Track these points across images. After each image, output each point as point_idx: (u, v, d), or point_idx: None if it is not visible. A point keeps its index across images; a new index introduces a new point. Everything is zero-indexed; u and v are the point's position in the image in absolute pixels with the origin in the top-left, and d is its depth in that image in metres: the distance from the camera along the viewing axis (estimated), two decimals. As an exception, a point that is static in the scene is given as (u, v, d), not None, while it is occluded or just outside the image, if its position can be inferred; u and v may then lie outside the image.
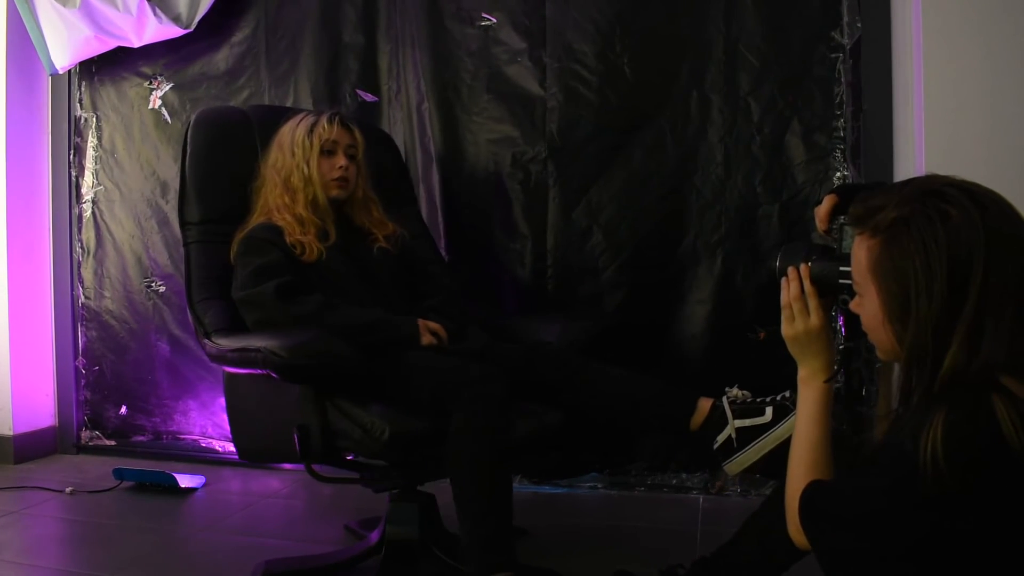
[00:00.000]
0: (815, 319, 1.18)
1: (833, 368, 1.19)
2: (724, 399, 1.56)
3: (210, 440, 2.91)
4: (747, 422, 1.49)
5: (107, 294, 3.01)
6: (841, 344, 1.28)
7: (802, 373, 1.21)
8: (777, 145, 2.36)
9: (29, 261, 2.99)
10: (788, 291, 1.20)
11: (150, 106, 2.92)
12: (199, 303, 1.90)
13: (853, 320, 1.18)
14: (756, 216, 2.38)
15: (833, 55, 2.31)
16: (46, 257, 3.04)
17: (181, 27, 2.70)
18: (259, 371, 1.64)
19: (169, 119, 2.90)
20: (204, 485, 2.61)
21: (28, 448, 2.93)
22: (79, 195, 3.03)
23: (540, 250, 2.52)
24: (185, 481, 2.56)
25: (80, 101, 3.02)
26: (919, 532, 0.92)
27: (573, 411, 1.77)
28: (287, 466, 2.62)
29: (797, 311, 1.19)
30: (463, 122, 2.56)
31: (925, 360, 0.94)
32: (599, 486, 2.51)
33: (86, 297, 3.03)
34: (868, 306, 1.02)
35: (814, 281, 1.19)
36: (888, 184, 1.14)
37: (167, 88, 2.89)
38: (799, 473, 1.13)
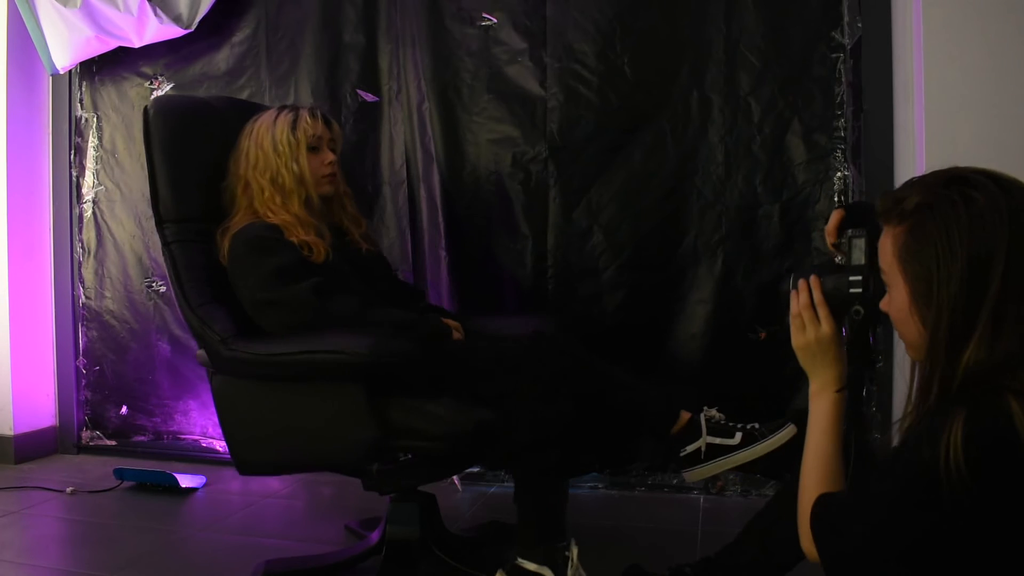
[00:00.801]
0: (826, 327, 1.17)
1: (844, 380, 1.16)
2: (701, 415, 1.70)
3: (211, 440, 2.91)
4: (717, 440, 1.65)
5: (108, 294, 3.01)
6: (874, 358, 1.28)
7: (814, 386, 1.18)
8: (777, 145, 2.36)
9: (30, 261, 3.00)
10: (798, 301, 1.19)
11: (151, 106, 2.93)
12: (199, 308, 1.78)
13: (863, 335, 1.18)
14: (756, 216, 2.38)
15: (833, 55, 2.31)
16: (47, 257, 3.05)
17: (182, 27, 2.71)
18: (322, 376, 1.61)
19: (170, 119, 2.89)
20: (204, 485, 2.62)
21: (29, 448, 2.93)
22: (80, 195, 3.03)
23: (541, 250, 2.52)
24: (185, 481, 2.56)
25: (81, 101, 3.02)
26: (934, 535, 0.91)
27: (578, 400, 1.76)
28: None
29: (808, 320, 1.17)
30: (464, 122, 2.56)
31: (945, 349, 0.93)
32: (599, 486, 2.51)
33: (87, 297, 3.03)
34: (896, 297, 1.01)
35: (827, 296, 1.18)
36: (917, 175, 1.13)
37: (168, 88, 2.89)
38: (811, 485, 1.12)
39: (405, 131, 2.62)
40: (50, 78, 2.99)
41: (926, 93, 1.99)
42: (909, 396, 1.06)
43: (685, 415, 1.71)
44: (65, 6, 2.75)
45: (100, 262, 3.01)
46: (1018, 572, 0.90)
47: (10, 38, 2.88)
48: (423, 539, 1.84)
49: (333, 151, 1.94)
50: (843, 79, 2.30)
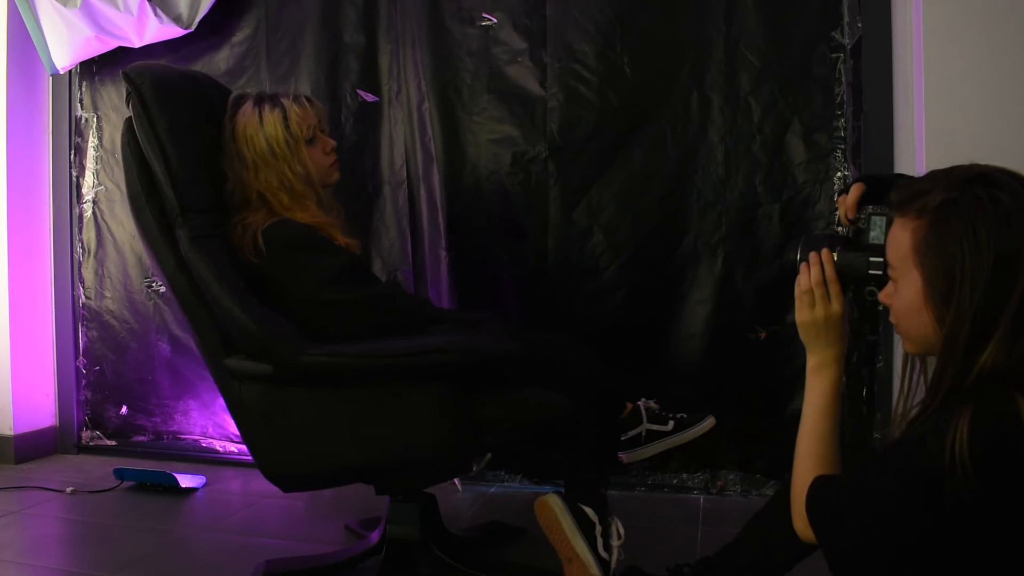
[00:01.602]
0: (836, 306, 1.14)
1: (843, 361, 1.15)
2: (640, 404, 1.89)
3: (211, 440, 2.91)
4: (655, 427, 1.86)
5: (108, 294, 3.01)
6: (871, 336, 1.25)
7: (812, 362, 1.16)
8: (778, 145, 2.36)
9: (30, 261, 2.99)
10: (809, 276, 1.15)
11: (151, 106, 2.92)
12: (255, 312, 1.60)
13: (874, 314, 1.16)
14: (757, 216, 2.38)
15: (834, 55, 2.31)
16: (47, 257, 3.05)
17: (182, 27, 2.70)
18: (424, 378, 1.60)
19: (170, 119, 2.89)
20: (205, 485, 2.62)
21: (29, 448, 2.93)
22: (80, 195, 3.03)
23: (541, 250, 2.51)
24: (186, 481, 2.56)
25: (81, 101, 3.02)
26: (934, 531, 0.91)
27: (575, 396, 1.78)
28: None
29: (819, 297, 1.14)
30: (464, 122, 2.56)
31: (961, 349, 0.92)
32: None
33: (87, 297, 3.03)
34: (905, 291, 1.00)
35: (840, 271, 1.15)
36: (917, 175, 1.11)
37: (168, 88, 2.89)
38: (806, 466, 1.11)
39: (405, 131, 2.62)
40: (50, 78, 2.99)
41: (926, 93, 1.99)
42: (902, 389, 1.06)
43: (629, 405, 1.90)
44: (65, 6, 2.74)
45: (100, 262, 3.01)
46: (1018, 571, 0.90)
47: (10, 38, 2.88)
48: (423, 539, 1.84)
49: (324, 131, 1.86)
50: (843, 79, 2.30)
